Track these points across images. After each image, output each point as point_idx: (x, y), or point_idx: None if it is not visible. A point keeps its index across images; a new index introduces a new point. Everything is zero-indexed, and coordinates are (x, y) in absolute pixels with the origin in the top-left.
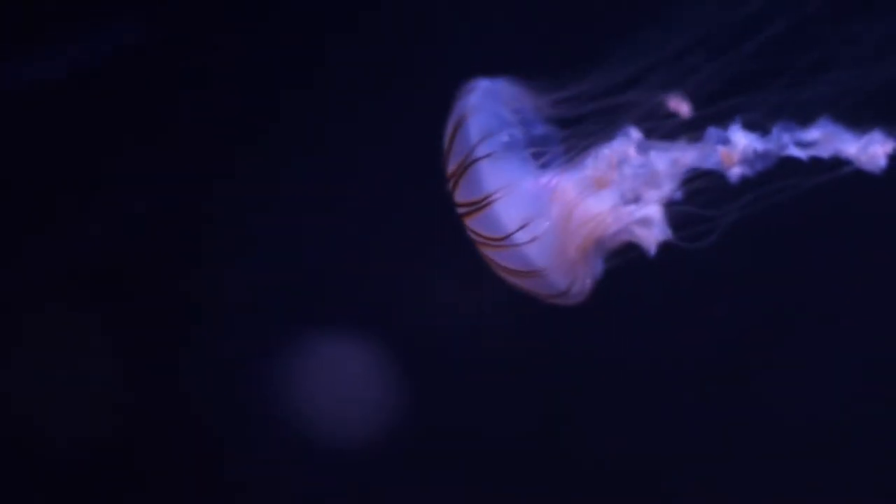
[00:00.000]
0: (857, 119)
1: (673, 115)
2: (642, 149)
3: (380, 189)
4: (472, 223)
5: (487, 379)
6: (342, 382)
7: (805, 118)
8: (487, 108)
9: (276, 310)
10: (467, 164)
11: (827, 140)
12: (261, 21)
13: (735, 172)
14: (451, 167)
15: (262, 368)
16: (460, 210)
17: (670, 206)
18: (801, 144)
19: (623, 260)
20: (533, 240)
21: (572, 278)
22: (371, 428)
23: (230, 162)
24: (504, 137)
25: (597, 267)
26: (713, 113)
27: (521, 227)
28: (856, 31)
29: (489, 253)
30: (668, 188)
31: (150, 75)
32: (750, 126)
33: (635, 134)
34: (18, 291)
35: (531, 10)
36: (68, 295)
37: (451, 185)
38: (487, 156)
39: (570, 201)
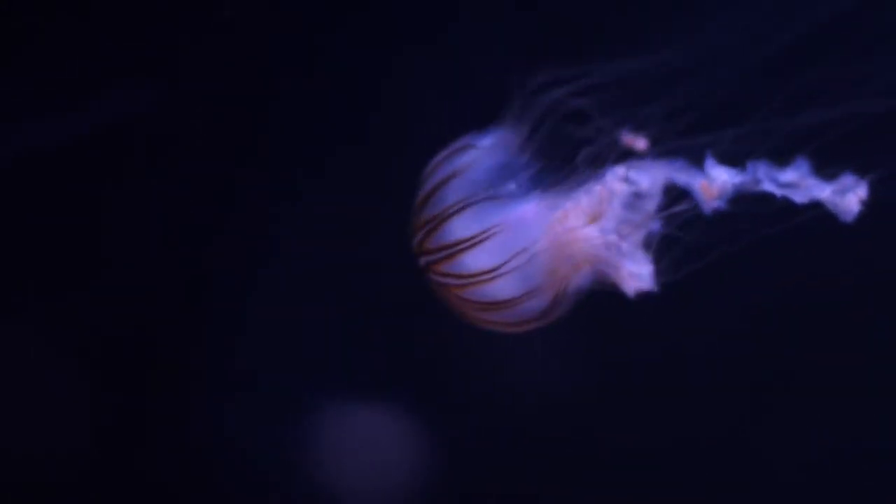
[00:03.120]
0: (834, 156)
1: (637, 150)
2: (629, 182)
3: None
4: (450, 267)
5: (513, 436)
6: (365, 449)
7: (783, 154)
8: (469, 159)
9: (290, 377)
10: (453, 209)
11: (802, 183)
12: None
13: (713, 204)
14: (426, 215)
15: (280, 436)
16: (432, 257)
17: (654, 242)
18: (778, 184)
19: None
20: (516, 270)
21: (550, 303)
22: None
23: (245, 222)
24: (487, 180)
25: (575, 292)
26: (692, 145)
27: (510, 261)
28: (834, 68)
29: (464, 293)
30: (650, 223)
31: (160, 138)
32: (728, 160)
33: (621, 172)
34: (20, 359)
35: (519, 39)
36: (72, 362)
37: (422, 233)
38: (476, 198)
39: (558, 233)
